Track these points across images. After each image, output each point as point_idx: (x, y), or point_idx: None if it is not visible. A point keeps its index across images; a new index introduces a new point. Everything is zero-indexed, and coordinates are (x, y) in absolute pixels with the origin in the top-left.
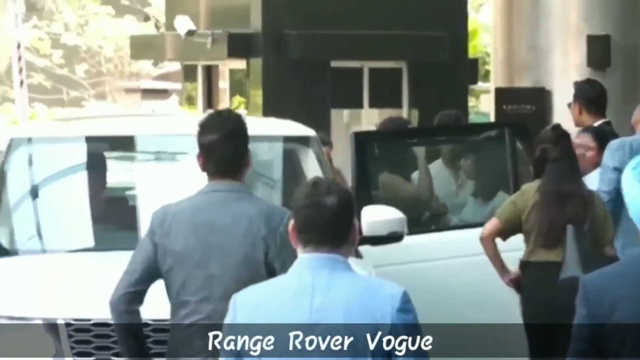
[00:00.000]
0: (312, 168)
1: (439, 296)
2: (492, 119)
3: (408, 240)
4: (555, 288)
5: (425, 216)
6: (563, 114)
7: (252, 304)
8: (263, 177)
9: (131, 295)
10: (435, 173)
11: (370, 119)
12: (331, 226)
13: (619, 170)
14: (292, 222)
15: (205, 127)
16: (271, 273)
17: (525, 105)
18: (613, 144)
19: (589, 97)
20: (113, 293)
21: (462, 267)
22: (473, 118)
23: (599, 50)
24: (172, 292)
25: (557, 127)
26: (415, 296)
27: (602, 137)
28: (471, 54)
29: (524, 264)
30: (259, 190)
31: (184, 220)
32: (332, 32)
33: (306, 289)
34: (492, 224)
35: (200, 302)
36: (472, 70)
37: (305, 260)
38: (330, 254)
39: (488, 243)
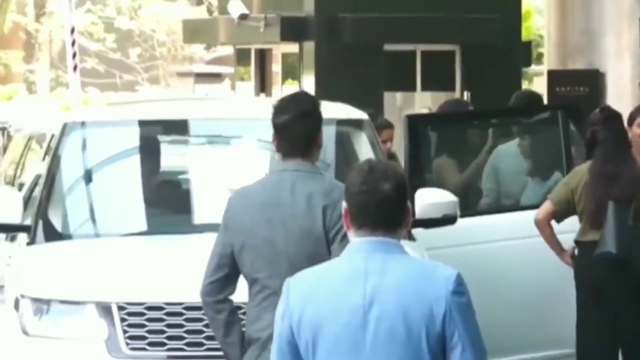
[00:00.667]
0: (365, 151)
1: (494, 278)
2: (545, 101)
3: (461, 222)
4: (604, 267)
5: (480, 198)
6: (616, 96)
7: (305, 288)
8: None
9: (214, 285)
10: (509, 151)
11: (423, 101)
12: (386, 211)
13: None
14: (345, 206)
15: (278, 109)
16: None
17: (578, 88)
18: None
19: None
20: (202, 283)
21: (516, 250)
22: None
23: None
24: (245, 271)
25: (606, 108)
26: (468, 278)
27: None
28: (524, 36)
29: (576, 244)
30: None
31: (253, 201)
32: (384, 15)
33: (360, 273)
34: (545, 206)
35: (268, 278)
36: (525, 53)
37: (358, 244)
38: (384, 238)
39: (543, 225)
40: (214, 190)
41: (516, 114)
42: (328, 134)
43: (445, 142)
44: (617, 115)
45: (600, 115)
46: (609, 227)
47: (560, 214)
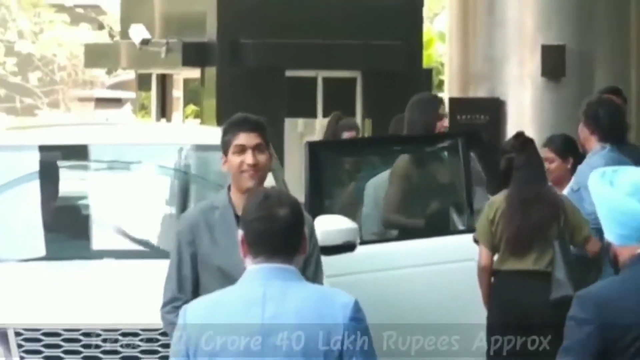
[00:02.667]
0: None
1: (393, 306)
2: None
3: (361, 249)
4: (525, 297)
5: (380, 226)
6: (517, 124)
7: (202, 314)
8: (218, 185)
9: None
10: (381, 182)
11: (324, 128)
12: (284, 238)
13: None
14: (241, 233)
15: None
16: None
17: (479, 115)
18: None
19: None
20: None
21: (416, 277)
22: None
23: (553, 60)
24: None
25: (520, 135)
26: (367, 306)
27: None
28: (426, 63)
29: (494, 273)
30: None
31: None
32: (287, 41)
33: (258, 300)
34: (483, 253)
35: None
36: (426, 80)
37: (255, 271)
38: (282, 265)
39: (487, 274)
40: (113, 216)
41: (417, 141)
42: None
43: (346, 168)
44: (531, 141)
45: (516, 141)
46: (559, 268)
47: (493, 251)
